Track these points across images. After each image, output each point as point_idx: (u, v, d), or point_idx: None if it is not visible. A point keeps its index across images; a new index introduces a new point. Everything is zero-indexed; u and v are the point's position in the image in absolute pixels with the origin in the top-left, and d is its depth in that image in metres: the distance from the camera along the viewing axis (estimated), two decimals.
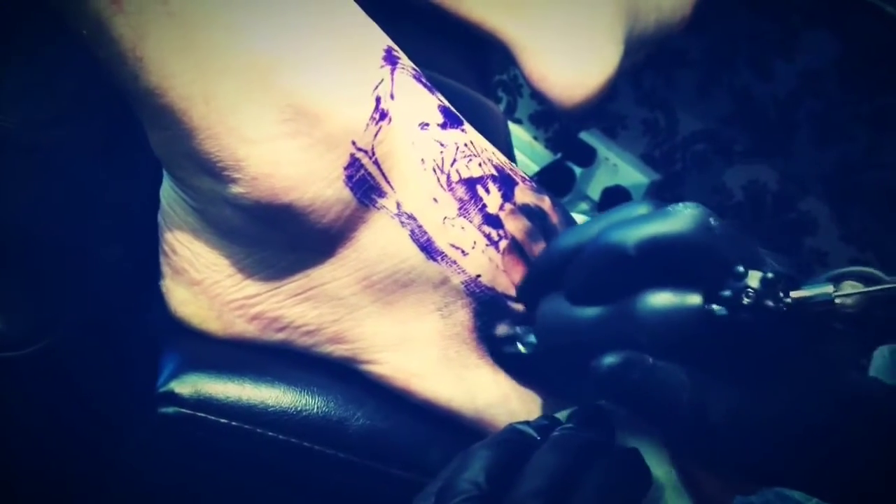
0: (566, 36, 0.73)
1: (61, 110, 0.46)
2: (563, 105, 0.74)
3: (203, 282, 0.37)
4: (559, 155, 1.55)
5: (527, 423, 0.33)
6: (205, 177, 0.34)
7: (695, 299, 0.30)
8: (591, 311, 0.32)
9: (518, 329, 0.36)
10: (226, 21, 0.33)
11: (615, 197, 1.52)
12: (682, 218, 0.30)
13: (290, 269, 0.36)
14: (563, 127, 1.62)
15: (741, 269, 0.29)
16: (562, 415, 0.35)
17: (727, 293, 0.29)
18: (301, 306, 0.37)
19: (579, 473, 0.30)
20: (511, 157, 0.61)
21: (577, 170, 1.52)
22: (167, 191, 0.38)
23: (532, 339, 0.35)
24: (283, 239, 0.36)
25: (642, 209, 0.33)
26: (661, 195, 1.49)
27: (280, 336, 0.37)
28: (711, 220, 0.30)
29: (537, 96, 0.78)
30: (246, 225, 0.35)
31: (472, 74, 0.73)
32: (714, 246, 0.30)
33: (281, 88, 0.33)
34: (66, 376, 0.36)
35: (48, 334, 0.35)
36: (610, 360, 0.30)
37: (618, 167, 1.51)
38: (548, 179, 1.53)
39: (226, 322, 0.37)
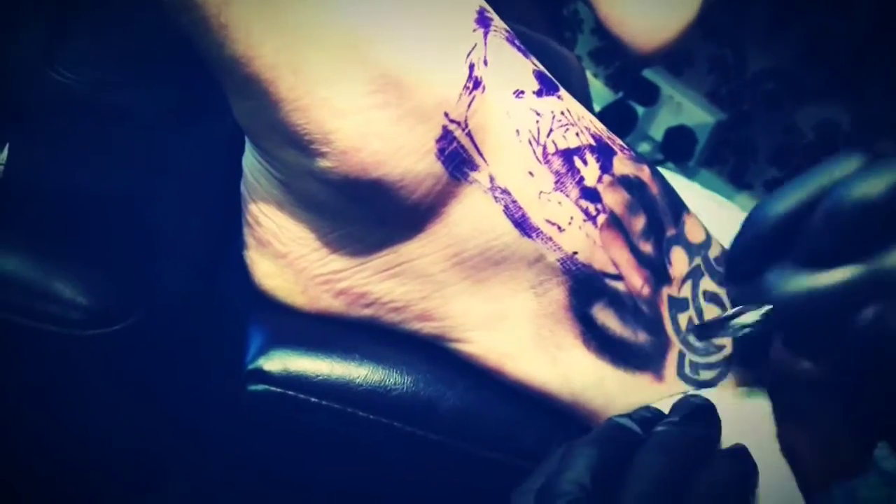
0: None
1: (134, 71, 0.45)
2: (641, 51, 0.71)
3: (288, 255, 0.36)
4: (621, 94, 1.51)
5: (628, 416, 0.32)
6: (291, 149, 0.33)
7: None
8: (837, 274, 0.29)
9: (728, 312, 0.33)
10: None
11: (679, 137, 1.48)
12: None
13: (378, 245, 0.35)
14: (624, 64, 1.57)
15: None
16: (663, 404, 0.33)
17: None
18: (388, 282, 0.36)
19: (687, 475, 0.28)
20: (591, 110, 0.59)
21: (640, 109, 1.48)
22: (250, 161, 0.37)
23: (753, 318, 0.32)
24: (371, 214, 0.34)
25: (854, 162, 0.30)
26: (728, 135, 1.45)
27: (367, 312, 0.36)
28: None
29: (600, 32, 0.74)
30: (333, 199, 0.34)
31: (543, 17, 0.70)
32: None
33: (371, 58, 0.31)
34: (152, 352, 0.35)
35: (135, 310, 0.34)
36: (872, 310, 0.28)
37: (682, 106, 1.47)
38: (608, 119, 1.49)
39: (311, 297, 0.36)
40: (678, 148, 1.53)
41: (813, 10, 1.30)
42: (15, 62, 0.43)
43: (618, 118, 1.51)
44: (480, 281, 0.35)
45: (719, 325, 0.33)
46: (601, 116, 1.55)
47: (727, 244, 0.65)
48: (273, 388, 0.34)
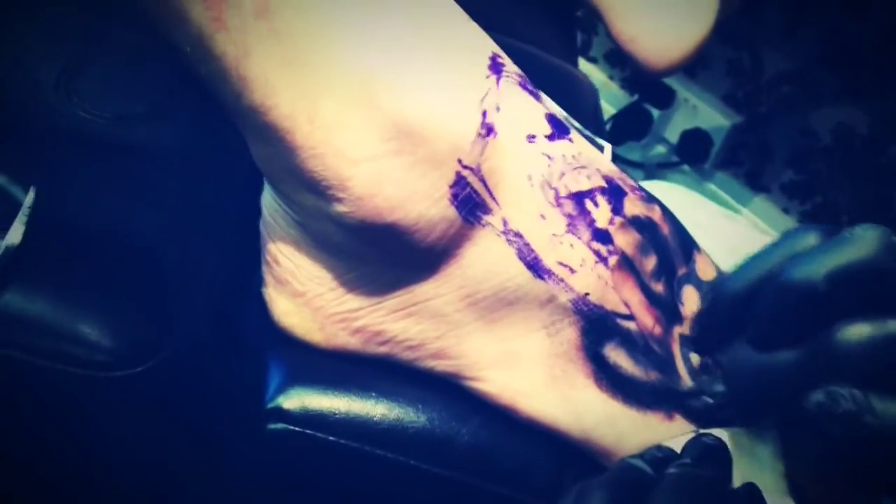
0: None
1: (153, 105, 0.46)
2: (655, 67, 0.71)
3: (306, 294, 0.37)
4: (636, 96, 1.51)
5: (640, 456, 0.32)
6: (308, 193, 0.34)
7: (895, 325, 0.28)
8: (783, 356, 0.31)
9: (701, 380, 0.35)
10: (329, 39, 0.32)
11: (695, 140, 1.48)
12: (865, 242, 0.29)
13: (393, 285, 0.36)
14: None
15: None
16: (675, 442, 0.34)
17: None
18: (404, 322, 0.36)
19: None
20: (601, 131, 0.59)
21: (655, 112, 1.48)
22: (269, 201, 0.38)
23: (719, 388, 0.34)
24: (386, 256, 0.35)
25: (811, 238, 0.31)
26: (744, 138, 1.45)
27: (383, 349, 0.37)
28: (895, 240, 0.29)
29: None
30: (349, 241, 0.35)
31: (557, 35, 0.71)
32: None
33: (385, 107, 0.32)
34: (174, 389, 0.36)
35: (159, 351, 0.35)
36: (817, 397, 0.29)
37: (698, 109, 1.46)
38: (624, 122, 1.49)
39: (328, 334, 0.37)
40: (694, 151, 1.53)
41: (829, 13, 1.30)
42: (34, 97, 0.44)
43: (633, 121, 1.51)
44: (494, 321, 0.36)
45: (695, 393, 0.35)
46: (617, 119, 1.56)
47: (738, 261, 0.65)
48: (292, 427, 0.35)
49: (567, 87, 0.60)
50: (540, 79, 0.56)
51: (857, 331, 0.29)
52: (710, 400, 0.35)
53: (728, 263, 0.67)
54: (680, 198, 0.70)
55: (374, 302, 0.36)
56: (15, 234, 0.36)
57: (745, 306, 0.32)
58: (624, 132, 1.52)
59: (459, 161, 0.33)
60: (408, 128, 0.32)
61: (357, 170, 0.32)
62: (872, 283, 0.29)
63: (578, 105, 0.58)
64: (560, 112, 0.37)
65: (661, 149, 1.56)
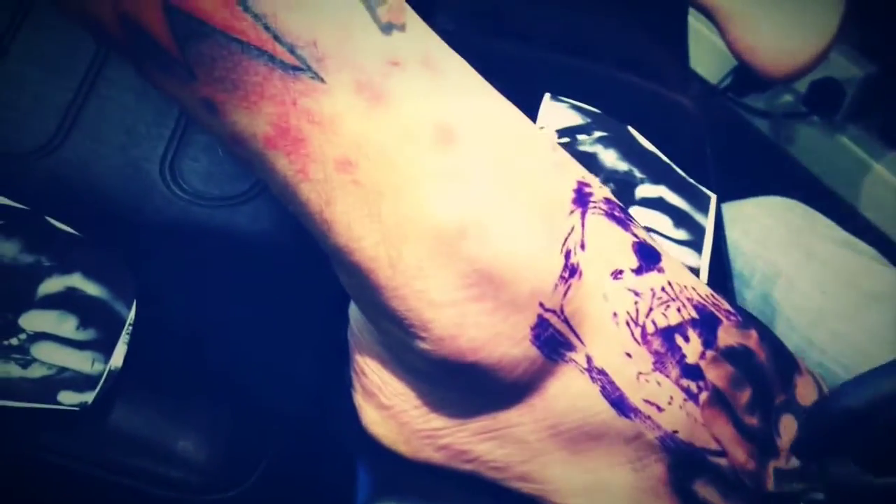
0: (777, 1, 0.65)
1: (255, 184, 0.46)
2: (773, 77, 0.67)
3: (392, 408, 0.38)
4: None
5: None
6: (392, 325, 0.34)
7: None
8: (892, 481, 0.31)
9: (801, 486, 0.34)
10: (410, 190, 0.31)
11: (824, 90, 1.38)
12: None
13: (477, 409, 0.36)
14: None
15: None
16: None
17: None
18: (488, 444, 0.36)
19: None
20: (705, 171, 0.56)
21: None
22: (356, 314, 0.38)
23: (819, 497, 0.34)
24: (469, 386, 0.35)
25: None
26: (878, 89, 1.35)
27: (468, 467, 0.37)
28: None
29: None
30: (432, 370, 0.35)
31: (665, 52, 0.67)
32: None
33: (466, 255, 0.31)
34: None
35: (254, 469, 0.37)
36: None
37: (829, 57, 1.37)
38: (748, 73, 1.41)
39: (414, 448, 0.38)
40: (823, 101, 1.44)
41: None
42: (143, 184, 0.45)
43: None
44: (578, 452, 0.35)
45: (792, 497, 0.34)
46: (740, 70, 1.48)
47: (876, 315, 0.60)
48: None
49: (669, 121, 0.57)
50: (640, 114, 0.53)
51: None
52: None
53: (846, 299, 0.63)
54: (795, 220, 0.65)
55: (457, 423, 0.36)
56: (118, 356, 0.37)
57: (858, 424, 0.31)
58: (747, 84, 1.44)
59: (541, 304, 0.32)
60: (489, 274, 0.32)
61: (439, 313, 0.32)
62: None
63: (681, 141, 0.55)
64: (643, 235, 0.36)
65: (788, 97, 1.47)
